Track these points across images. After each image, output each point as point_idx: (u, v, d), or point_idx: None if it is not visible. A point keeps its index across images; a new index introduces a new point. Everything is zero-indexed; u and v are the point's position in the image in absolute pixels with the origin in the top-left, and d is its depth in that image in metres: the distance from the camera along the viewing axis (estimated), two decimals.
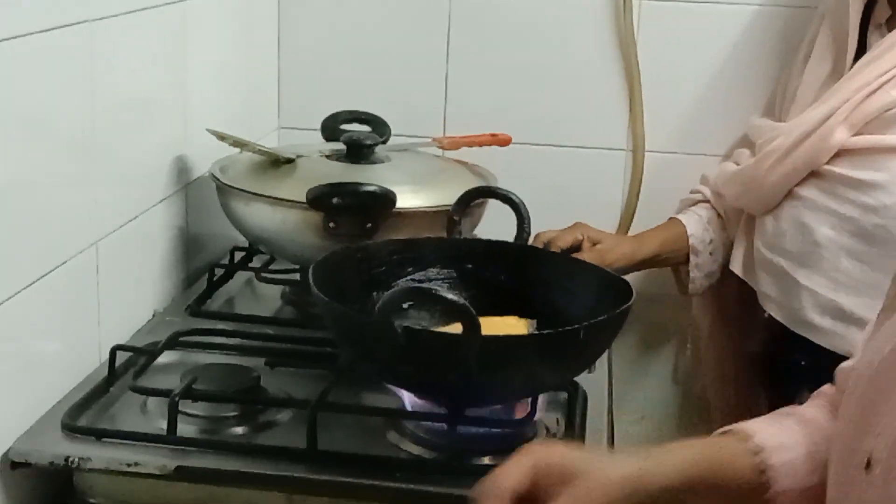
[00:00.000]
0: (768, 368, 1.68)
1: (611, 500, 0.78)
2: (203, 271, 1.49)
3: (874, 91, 1.43)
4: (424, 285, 1.13)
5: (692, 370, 1.93)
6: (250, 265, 1.52)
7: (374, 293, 1.14)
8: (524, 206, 1.23)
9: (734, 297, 1.77)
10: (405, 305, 1.05)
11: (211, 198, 1.43)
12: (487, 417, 1.05)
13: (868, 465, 0.69)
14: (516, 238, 1.23)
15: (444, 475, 1.00)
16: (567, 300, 1.15)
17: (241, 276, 1.52)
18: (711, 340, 1.84)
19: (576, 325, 0.98)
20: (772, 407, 0.96)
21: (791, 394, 1.10)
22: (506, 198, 1.23)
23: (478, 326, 0.92)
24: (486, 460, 1.03)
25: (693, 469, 0.82)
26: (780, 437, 0.85)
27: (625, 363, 1.68)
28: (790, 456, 0.84)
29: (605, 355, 1.32)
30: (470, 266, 1.21)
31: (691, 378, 1.95)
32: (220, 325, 1.29)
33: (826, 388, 0.93)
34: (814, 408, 0.90)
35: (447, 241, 1.22)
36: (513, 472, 0.78)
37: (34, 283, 1.05)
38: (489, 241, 1.23)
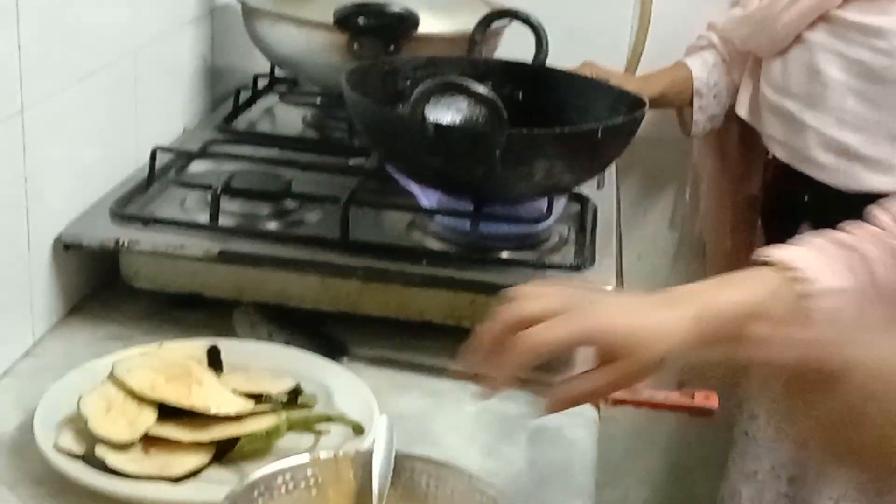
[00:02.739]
0: (767, 211, 1.76)
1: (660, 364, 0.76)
2: (226, 97, 1.55)
3: None
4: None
5: (691, 214, 2.01)
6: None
7: (400, 105, 1.20)
8: (542, 27, 1.28)
9: (735, 140, 1.84)
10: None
11: (234, 27, 1.48)
12: (507, 214, 1.12)
13: None
14: (534, 59, 1.29)
15: (467, 263, 1.08)
16: (582, 117, 1.21)
17: (261, 105, 1.57)
18: (711, 183, 1.91)
19: (595, 125, 1.04)
20: None
21: (789, 234, 1.13)
22: (525, 19, 1.28)
23: (504, 120, 0.99)
24: (505, 254, 1.11)
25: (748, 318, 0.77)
26: (833, 280, 0.80)
27: (623, 206, 1.76)
28: (839, 300, 0.80)
29: (613, 175, 1.39)
30: (489, 84, 1.27)
31: (689, 221, 2.03)
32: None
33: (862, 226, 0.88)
34: (866, 241, 0.85)
35: (468, 59, 1.28)
36: (559, 339, 0.75)
37: (82, 80, 1.11)
38: (508, 61, 1.29)
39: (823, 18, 1.56)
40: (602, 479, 1.00)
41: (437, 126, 1.01)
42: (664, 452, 2.17)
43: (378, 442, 0.83)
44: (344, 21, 1.31)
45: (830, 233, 0.85)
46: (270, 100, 1.58)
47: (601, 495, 0.96)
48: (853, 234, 0.85)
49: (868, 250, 0.83)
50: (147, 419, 0.88)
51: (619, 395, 1.05)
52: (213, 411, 0.89)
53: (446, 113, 1.21)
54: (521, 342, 0.75)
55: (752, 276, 0.81)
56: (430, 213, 1.14)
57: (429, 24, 1.35)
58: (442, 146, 1.01)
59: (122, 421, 0.87)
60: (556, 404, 0.77)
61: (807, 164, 1.60)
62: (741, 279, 0.81)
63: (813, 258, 0.81)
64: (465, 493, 0.79)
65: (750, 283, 0.80)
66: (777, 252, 0.82)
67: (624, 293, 0.80)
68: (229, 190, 1.13)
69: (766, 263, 0.82)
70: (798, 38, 1.59)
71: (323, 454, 0.84)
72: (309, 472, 0.82)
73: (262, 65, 1.57)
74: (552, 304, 0.76)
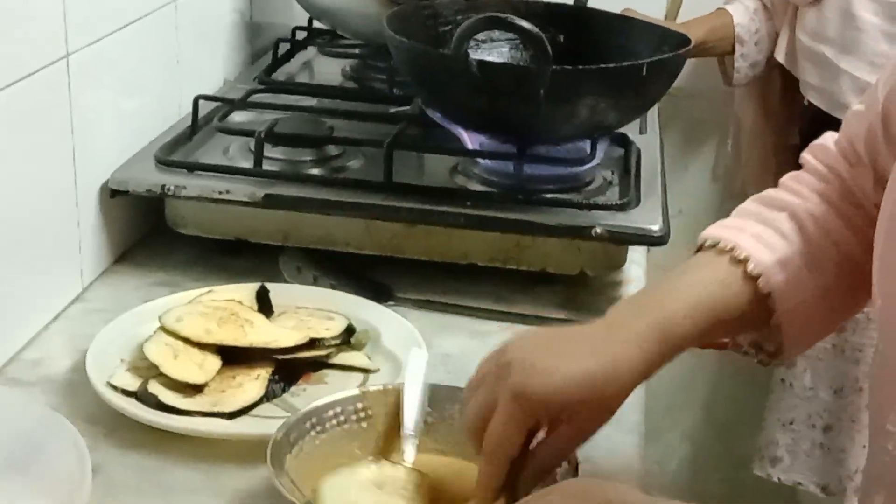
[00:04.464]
0: None
1: (621, 402, 0.75)
2: (266, 50, 1.55)
3: None
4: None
5: (733, 165, 1.99)
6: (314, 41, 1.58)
7: (441, 50, 1.19)
8: None
9: (776, 89, 1.82)
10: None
11: None
12: (551, 156, 1.12)
13: None
14: (576, 1, 1.28)
15: (512, 203, 1.08)
16: (626, 58, 1.20)
17: (300, 58, 1.57)
18: (753, 134, 1.89)
19: (640, 62, 1.03)
20: None
21: None
22: None
23: (549, 56, 0.98)
24: (550, 196, 1.10)
25: (699, 326, 0.76)
26: (775, 251, 0.78)
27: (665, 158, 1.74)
28: (790, 272, 0.78)
29: (655, 120, 1.38)
30: None
31: (731, 173, 2.01)
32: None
33: (800, 174, 0.85)
34: (798, 197, 0.82)
35: (510, 3, 1.27)
36: (506, 438, 0.72)
37: (123, 28, 1.11)
38: (548, 3, 1.28)
39: None
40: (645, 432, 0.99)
41: (482, 63, 1.01)
42: (705, 407, 2.16)
43: (409, 373, 0.84)
44: None
45: (768, 194, 0.83)
46: (309, 53, 1.58)
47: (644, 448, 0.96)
48: (789, 188, 0.83)
49: (810, 205, 0.80)
50: (214, 362, 0.90)
51: None
52: (274, 345, 0.90)
53: (488, 57, 1.20)
54: (486, 460, 0.73)
55: (699, 267, 0.80)
56: (474, 155, 1.14)
57: None
58: (486, 84, 1.01)
59: (191, 365, 0.88)
60: (532, 480, 0.74)
61: (841, 110, 1.58)
62: (690, 275, 0.79)
63: (745, 235, 0.79)
64: None
65: (699, 277, 0.79)
66: (716, 232, 0.80)
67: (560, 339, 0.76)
68: (272, 136, 1.13)
69: (710, 246, 0.80)
70: None
71: (372, 387, 0.85)
72: (359, 404, 0.83)
73: (301, 18, 1.57)
74: (482, 399, 0.74)
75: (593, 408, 0.73)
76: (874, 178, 0.79)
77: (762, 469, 1.79)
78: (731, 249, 0.78)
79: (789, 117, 1.81)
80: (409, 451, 0.81)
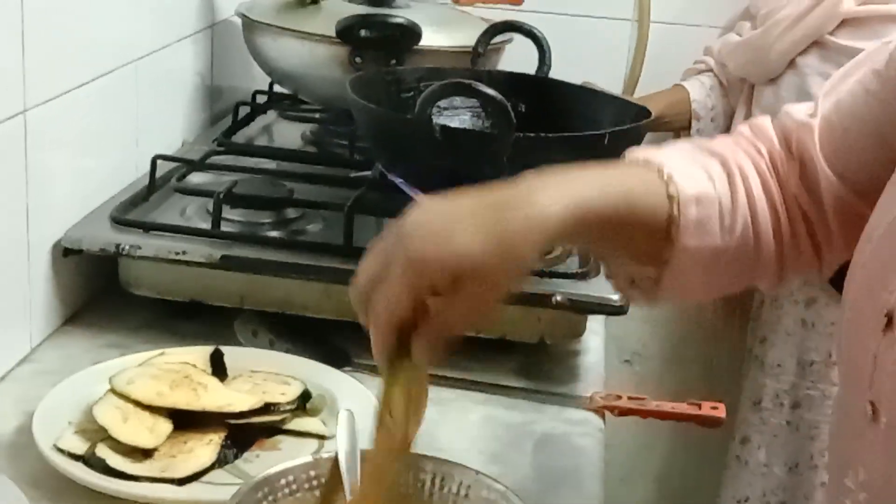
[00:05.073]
0: None
1: (528, 266, 0.71)
2: (225, 113, 1.54)
3: None
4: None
5: None
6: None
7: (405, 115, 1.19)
8: (546, 40, 1.28)
9: None
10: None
11: (233, 43, 1.47)
12: None
13: (889, 324, 0.64)
14: (537, 71, 1.29)
15: None
16: (587, 128, 1.20)
17: (260, 122, 1.57)
18: None
19: (602, 131, 1.04)
20: None
21: None
22: (529, 32, 1.28)
23: (512, 122, 0.98)
24: None
25: (616, 214, 0.73)
26: (697, 187, 0.77)
27: None
28: (703, 212, 0.76)
29: None
30: None
31: None
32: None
33: (737, 138, 0.85)
34: (733, 153, 0.81)
35: (471, 71, 1.27)
36: (394, 302, 0.68)
37: (83, 86, 1.10)
38: (511, 73, 1.29)
39: (816, 44, 1.59)
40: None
41: (445, 128, 1.01)
42: (658, 480, 2.15)
43: (339, 437, 0.81)
44: (346, 33, 1.31)
45: (704, 141, 0.83)
46: (269, 117, 1.58)
47: None
48: (725, 142, 0.83)
49: (744, 163, 0.80)
50: (165, 426, 0.87)
51: (625, 404, 1.04)
52: (228, 409, 0.88)
53: (450, 122, 1.20)
54: (371, 324, 0.70)
55: (626, 167, 0.79)
56: None
57: (431, 38, 1.35)
58: (449, 148, 1.00)
59: (141, 429, 0.86)
60: (422, 348, 0.69)
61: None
62: (615, 168, 0.78)
63: (677, 161, 0.78)
64: (473, 488, 0.78)
65: (626, 174, 0.78)
66: (645, 152, 0.79)
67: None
68: (231, 197, 1.12)
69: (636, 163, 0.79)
70: (790, 64, 1.62)
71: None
72: (312, 472, 0.80)
73: (262, 81, 1.56)
74: (375, 265, 0.69)
75: (497, 270, 0.68)
76: (800, 175, 0.80)
77: None
78: (658, 167, 0.77)
79: None
80: None
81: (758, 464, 1.72)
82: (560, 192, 0.71)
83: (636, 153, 0.80)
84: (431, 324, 0.69)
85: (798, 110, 0.83)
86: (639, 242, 0.77)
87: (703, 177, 0.77)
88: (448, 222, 0.69)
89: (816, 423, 1.65)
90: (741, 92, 1.74)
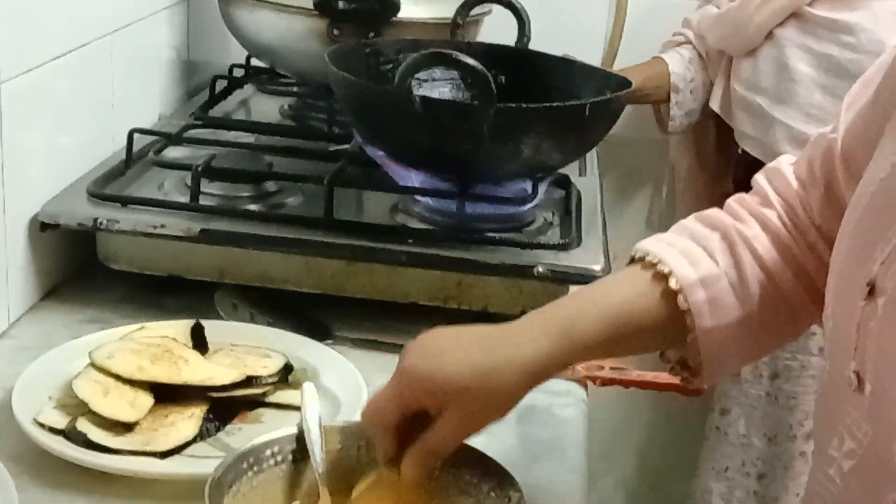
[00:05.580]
0: None
1: (514, 399, 0.76)
2: (202, 88, 1.53)
3: None
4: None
5: (667, 212, 2.01)
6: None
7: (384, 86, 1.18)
8: (525, 11, 1.27)
9: (711, 138, 1.84)
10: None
11: (209, 17, 1.46)
12: (492, 195, 1.11)
13: (871, 293, 0.64)
14: (517, 43, 1.28)
15: (454, 241, 1.06)
16: (567, 99, 1.20)
17: (237, 96, 1.55)
18: (688, 182, 1.90)
19: (583, 101, 1.03)
20: None
21: None
22: (508, 3, 1.27)
23: (493, 93, 0.97)
24: (491, 233, 1.09)
25: (610, 330, 0.76)
26: (700, 270, 0.77)
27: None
28: (712, 292, 0.77)
29: (595, 163, 1.39)
30: None
31: (666, 220, 2.02)
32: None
33: (744, 196, 0.85)
34: (736, 219, 0.81)
35: (451, 42, 1.26)
36: (383, 407, 0.75)
37: (57, 59, 1.08)
38: (490, 45, 1.28)
39: (794, 16, 1.58)
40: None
41: (425, 99, 1.00)
42: (639, 454, 2.16)
43: (304, 411, 0.81)
44: (324, 5, 1.29)
45: (708, 212, 0.83)
46: (247, 91, 1.57)
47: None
48: (730, 208, 0.83)
49: (746, 228, 0.80)
50: (146, 400, 0.87)
51: (607, 374, 1.04)
52: (210, 383, 0.87)
53: (430, 95, 1.19)
54: (366, 426, 0.77)
55: (619, 278, 0.81)
56: (417, 192, 1.12)
57: (410, 10, 1.33)
58: (429, 120, 1.00)
59: (122, 403, 0.85)
60: (412, 468, 0.75)
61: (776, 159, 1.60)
62: (608, 284, 0.82)
63: (673, 249, 0.79)
64: (454, 456, 0.78)
65: (616, 285, 0.80)
66: (648, 245, 0.80)
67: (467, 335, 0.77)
68: (210, 170, 1.11)
69: (639, 259, 0.81)
70: (768, 36, 1.61)
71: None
72: (297, 444, 0.80)
73: (238, 56, 1.55)
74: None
75: (479, 398, 0.74)
76: (824, 200, 0.79)
77: None
78: (657, 264, 0.78)
79: (724, 166, 1.83)
80: (324, 493, 0.78)
81: (737, 435, 1.73)
82: (545, 327, 0.76)
83: (639, 247, 0.81)
84: (419, 442, 0.75)
85: (823, 131, 0.83)
86: (653, 343, 0.81)
87: (703, 257, 0.78)
88: (446, 347, 0.75)
89: (795, 393, 1.66)
90: (720, 64, 1.74)
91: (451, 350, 0.75)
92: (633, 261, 0.81)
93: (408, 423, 0.75)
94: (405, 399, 0.74)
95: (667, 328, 0.78)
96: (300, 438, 0.79)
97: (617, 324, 0.76)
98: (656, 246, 0.80)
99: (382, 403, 0.75)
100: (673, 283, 0.77)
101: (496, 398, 0.75)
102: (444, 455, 0.76)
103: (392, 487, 0.77)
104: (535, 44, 1.31)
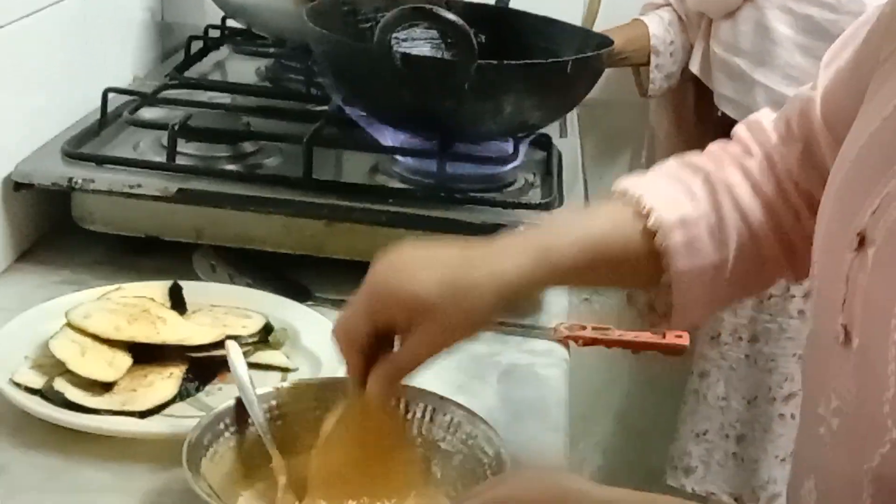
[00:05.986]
0: None
1: (487, 317, 0.74)
2: (178, 49, 1.50)
3: None
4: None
5: None
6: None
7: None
8: None
9: (691, 100, 1.84)
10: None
11: None
12: (473, 154, 1.10)
13: (861, 244, 0.64)
14: (497, 2, 1.27)
15: (435, 201, 1.05)
16: (547, 58, 1.19)
17: (213, 57, 1.53)
18: (667, 145, 1.90)
19: (565, 59, 1.02)
20: None
21: None
22: None
23: (474, 50, 0.96)
24: (471, 193, 1.08)
25: (587, 257, 0.75)
26: (679, 211, 0.77)
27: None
28: (690, 234, 0.77)
29: (575, 124, 1.38)
30: None
31: None
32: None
33: (726, 143, 0.85)
34: (717, 165, 0.81)
35: (429, 1, 1.24)
36: (353, 324, 0.73)
37: (29, 15, 1.06)
38: (470, 2, 1.27)
39: None
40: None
41: (405, 56, 0.99)
42: (618, 417, 2.17)
43: (235, 370, 0.81)
44: None
45: (690, 157, 0.83)
46: (223, 52, 1.54)
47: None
48: (711, 154, 0.83)
49: (728, 175, 0.80)
50: (124, 359, 0.85)
51: (589, 334, 1.04)
52: (188, 343, 0.86)
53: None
54: (337, 343, 0.75)
55: (601, 209, 0.81)
56: (396, 152, 1.11)
57: None
58: (410, 78, 0.98)
59: (100, 362, 0.84)
60: (379, 385, 0.74)
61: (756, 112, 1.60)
62: (588, 214, 0.82)
63: (655, 188, 0.79)
64: (438, 412, 0.79)
65: (596, 216, 0.80)
66: (629, 183, 0.80)
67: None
68: (186, 130, 1.09)
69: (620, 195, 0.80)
70: None
71: (286, 384, 0.81)
72: (273, 402, 0.79)
73: (214, 16, 1.53)
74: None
75: (453, 314, 0.71)
76: (802, 156, 0.79)
77: (675, 479, 1.79)
78: (637, 201, 0.77)
79: (703, 128, 1.82)
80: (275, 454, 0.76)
81: (716, 397, 1.73)
82: (524, 245, 0.74)
83: (620, 184, 0.80)
84: (387, 359, 0.73)
85: (802, 89, 0.82)
86: (627, 278, 0.81)
87: (684, 199, 0.78)
88: (416, 264, 0.73)
89: (774, 356, 1.67)
90: (699, 27, 1.73)
91: (426, 265, 0.72)
92: (613, 198, 0.80)
93: (374, 350, 0.74)
94: (376, 315, 0.72)
95: (641, 265, 0.77)
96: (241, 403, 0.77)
97: (594, 252, 0.76)
98: (637, 184, 0.79)
99: (353, 320, 0.73)
100: (651, 223, 0.76)
101: (471, 315, 0.73)
102: (410, 371, 0.74)
103: (355, 427, 0.76)
104: (515, 3, 1.29)
